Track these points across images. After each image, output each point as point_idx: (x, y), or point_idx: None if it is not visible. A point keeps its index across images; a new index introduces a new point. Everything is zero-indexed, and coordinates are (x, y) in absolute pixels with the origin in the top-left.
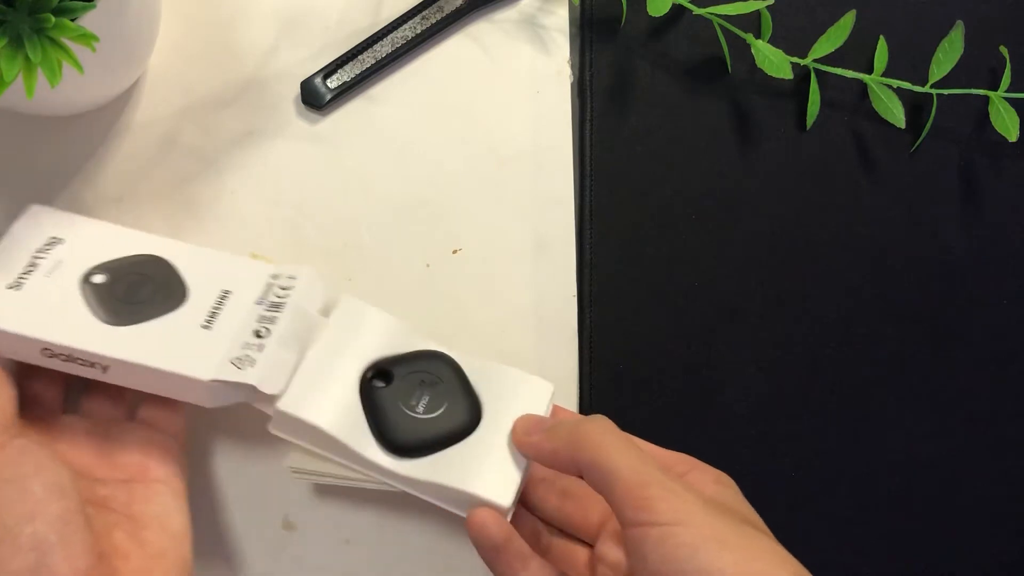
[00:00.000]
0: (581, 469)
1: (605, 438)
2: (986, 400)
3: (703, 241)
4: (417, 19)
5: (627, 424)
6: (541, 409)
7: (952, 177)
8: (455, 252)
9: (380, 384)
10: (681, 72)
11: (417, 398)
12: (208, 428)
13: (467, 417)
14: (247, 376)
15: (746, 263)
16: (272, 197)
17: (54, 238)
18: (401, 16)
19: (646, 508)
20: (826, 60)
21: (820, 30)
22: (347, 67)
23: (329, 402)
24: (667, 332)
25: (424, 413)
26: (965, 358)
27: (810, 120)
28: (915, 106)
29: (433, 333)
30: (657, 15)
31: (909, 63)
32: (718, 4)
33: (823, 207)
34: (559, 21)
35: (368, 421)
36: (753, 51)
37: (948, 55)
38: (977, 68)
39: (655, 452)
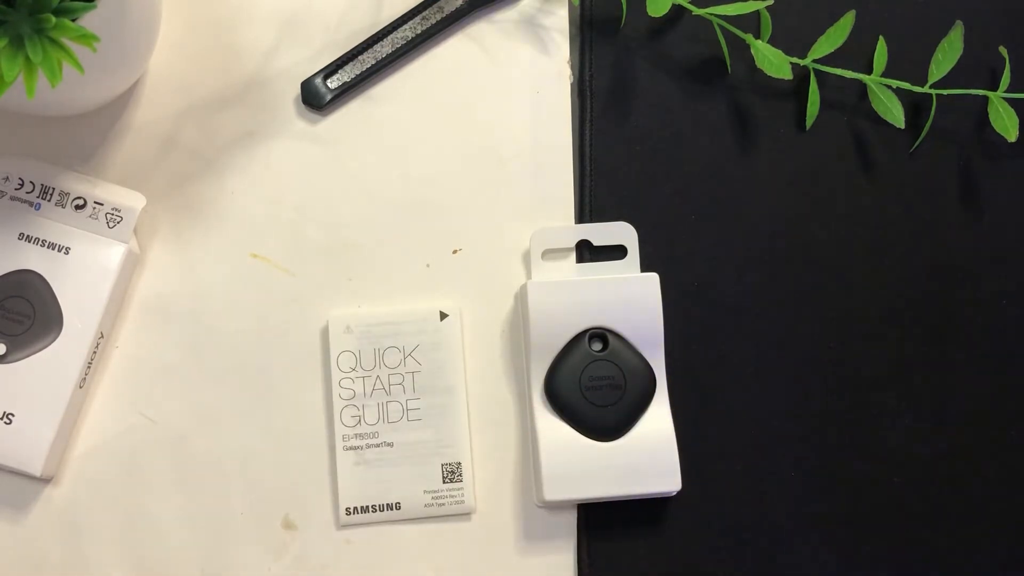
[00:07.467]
0: None
1: None
2: (986, 400)
3: (703, 241)
4: (417, 19)
5: None
6: None
7: (952, 177)
8: (455, 252)
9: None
10: (681, 72)
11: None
12: (209, 426)
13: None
14: None
15: (746, 263)
16: (272, 197)
17: None
18: (401, 16)
19: None
20: (826, 60)
21: (820, 30)
22: (347, 67)
23: None
24: (666, 332)
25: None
26: (965, 358)
27: (810, 120)
28: (915, 106)
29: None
30: (657, 15)
31: (909, 63)
32: (718, 4)
33: (823, 207)
34: (559, 21)
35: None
36: (753, 51)
37: (948, 55)
38: (977, 68)
39: None
